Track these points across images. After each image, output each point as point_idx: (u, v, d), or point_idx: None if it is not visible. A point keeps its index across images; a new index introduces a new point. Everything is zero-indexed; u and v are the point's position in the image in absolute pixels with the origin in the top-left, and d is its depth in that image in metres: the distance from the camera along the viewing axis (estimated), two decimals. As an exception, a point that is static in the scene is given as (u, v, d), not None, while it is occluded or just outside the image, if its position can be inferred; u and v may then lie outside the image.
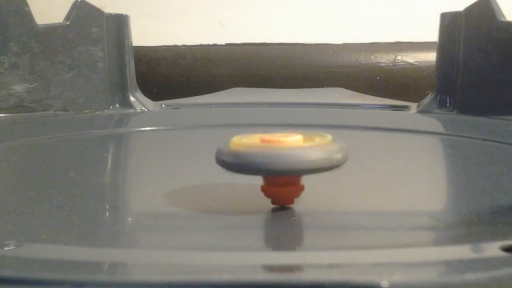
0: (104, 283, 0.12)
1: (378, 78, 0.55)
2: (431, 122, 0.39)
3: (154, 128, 0.37)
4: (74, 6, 0.41)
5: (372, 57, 0.55)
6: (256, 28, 0.58)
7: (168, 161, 0.29)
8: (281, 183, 0.19)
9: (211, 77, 0.56)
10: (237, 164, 0.18)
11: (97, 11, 0.42)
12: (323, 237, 0.17)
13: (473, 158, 0.29)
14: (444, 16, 0.41)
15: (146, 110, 0.43)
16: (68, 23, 0.41)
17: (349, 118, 0.39)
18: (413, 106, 0.42)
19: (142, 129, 0.38)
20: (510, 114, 0.36)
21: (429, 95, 0.42)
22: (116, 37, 0.43)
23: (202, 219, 0.19)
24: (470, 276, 0.12)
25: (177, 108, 0.44)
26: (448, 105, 0.41)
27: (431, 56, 0.50)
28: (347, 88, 0.53)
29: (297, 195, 0.19)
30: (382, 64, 0.55)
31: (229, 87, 0.53)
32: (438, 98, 0.41)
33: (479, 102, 0.39)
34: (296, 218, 0.19)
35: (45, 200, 0.21)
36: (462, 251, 0.14)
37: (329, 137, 0.19)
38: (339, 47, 0.56)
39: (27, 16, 0.39)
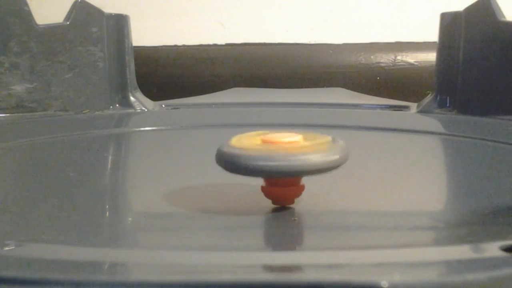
0: (104, 283, 0.12)
1: (378, 78, 0.55)
2: (431, 122, 0.39)
3: (154, 128, 0.37)
4: (74, 6, 0.41)
5: (372, 57, 0.55)
6: (256, 28, 0.58)
7: (168, 161, 0.29)
8: (282, 184, 0.19)
9: (211, 77, 0.56)
10: (238, 165, 0.18)
11: (97, 11, 0.42)
12: (323, 237, 0.17)
13: (473, 158, 0.29)
14: (444, 16, 0.41)
15: (146, 110, 0.43)
16: (68, 23, 0.41)
17: (349, 118, 0.39)
18: (413, 106, 0.42)
19: (142, 129, 0.38)
20: (510, 114, 0.36)
21: (429, 95, 0.42)
22: (116, 37, 0.43)
23: (202, 219, 0.19)
24: (470, 276, 0.12)
25: (177, 108, 0.44)
26: (448, 105, 0.41)
27: (431, 56, 0.50)
28: (347, 88, 0.52)
29: (297, 195, 0.19)
30: (382, 64, 0.55)
31: (229, 87, 0.53)
32: (438, 98, 0.41)
33: (479, 102, 0.39)
34: (296, 218, 0.19)
35: (45, 200, 0.21)
36: (462, 251, 0.14)
37: (329, 137, 0.19)
38: (339, 47, 0.56)
39: (27, 16, 0.39)
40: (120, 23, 0.43)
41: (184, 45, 0.58)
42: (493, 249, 0.14)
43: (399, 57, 0.55)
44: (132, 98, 0.43)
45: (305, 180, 0.19)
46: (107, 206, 0.21)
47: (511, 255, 0.13)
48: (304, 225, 0.19)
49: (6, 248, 0.14)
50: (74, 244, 0.16)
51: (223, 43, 0.58)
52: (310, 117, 0.39)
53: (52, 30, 0.40)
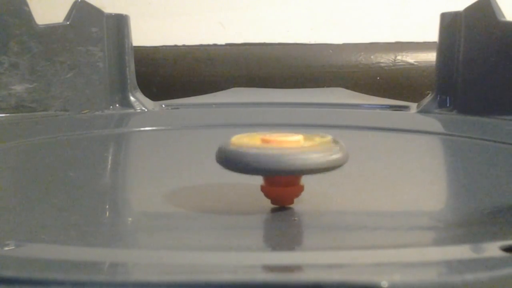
0: (104, 283, 0.12)
1: (378, 78, 0.55)
2: (431, 122, 0.39)
3: (154, 128, 0.37)
4: (74, 6, 0.41)
5: (372, 57, 0.55)
6: (256, 28, 0.58)
7: (168, 161, 0.29)
8: (281, 183, 0.19)
9: (211, 77, 0.56)
10: (238, 163, 0.18)
11: (97, 11, 0.42)
12: (323, 237, 0.17)
13: (473, 158, 0.29)
14: (444, 16, 0.41)
15: (146, 110, 0.43)
16: (68, 23, 0.41)
17: (349, 118, 0.39)
18: (413, 106, 0.42)
19: (142, 129, 0.38)
20: (510, 114, 0.36)
21: (429, 95, 0.42)
22: (116, 37, 0.43)
23: (202, 219, 0.19)
24: (470, 276, 0.12)
25: (177, 108, 0.44)
26: (448, 105, 0.41)
27: (431, 56, 0.50)
28: (347, 88, 0.53)
29: (297, 195, 0.19)
30: (382, 64, 0.55)
31: (229, 87, 0.53)
32: (438, 98, 0.41)
33: (479, 102, 0.39)
34: (296, 218, 0.19)
35: (45, 200, 0.21)
36: (462, 251, 0.14)
37: (329, 137, 0.19)
38: (339, 47, 0.56)
39: (27, 16, 0.39)
40: (120, 23, 0.43)
41: (184, 45, 0.58)
42: (493, 249, 0.14)
43: (399, 57, 0.55)
44: (132, 98, 0.43)
45: (305, 180, 0.19)
46: (107, 206, 0.21)
47: (511, 255, 0.13)
48: (304, 225, 0.19)
49: (6, 248, 0.14)
50: (74, 244, 0.16)
51: (223, 43, 0.58)
52: (310, 117, 0.39)
53: (52, 30, 0.40)
